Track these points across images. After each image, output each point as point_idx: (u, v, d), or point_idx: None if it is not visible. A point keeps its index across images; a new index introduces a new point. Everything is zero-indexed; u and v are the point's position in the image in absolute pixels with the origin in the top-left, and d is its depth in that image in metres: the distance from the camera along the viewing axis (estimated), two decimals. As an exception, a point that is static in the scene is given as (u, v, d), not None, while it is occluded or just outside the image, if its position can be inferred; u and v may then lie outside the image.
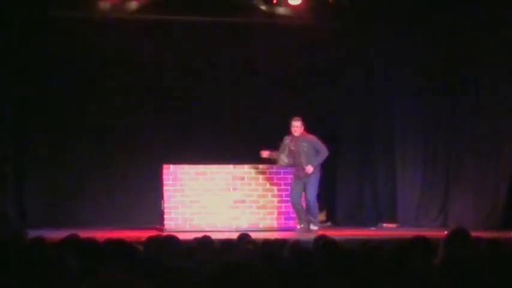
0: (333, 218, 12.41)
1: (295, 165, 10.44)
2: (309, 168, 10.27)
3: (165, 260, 4.10)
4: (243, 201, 10.96)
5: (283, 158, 10.46)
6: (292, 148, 10.39)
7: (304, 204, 10.46)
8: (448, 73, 11.72)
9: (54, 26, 11.38)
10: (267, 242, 5.66)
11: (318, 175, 10.44)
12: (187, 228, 10.62)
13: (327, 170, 12.64)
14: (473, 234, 5.10)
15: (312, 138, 10.44)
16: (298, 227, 10.46)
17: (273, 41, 11.97)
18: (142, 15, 11.67)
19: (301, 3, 11.73)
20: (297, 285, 3.83)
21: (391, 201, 12.16)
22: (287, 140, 10.45)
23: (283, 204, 10.93)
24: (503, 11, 10.96)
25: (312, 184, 10.39)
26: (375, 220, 12.06)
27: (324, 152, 10.41)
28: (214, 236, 6.34)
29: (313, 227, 10.40)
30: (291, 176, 10.79)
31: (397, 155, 12.12)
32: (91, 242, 4.40)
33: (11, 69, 11.37)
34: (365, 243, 5.62)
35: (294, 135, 10.38)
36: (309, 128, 12.24)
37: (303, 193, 10.45)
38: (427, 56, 11.78)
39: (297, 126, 10.35)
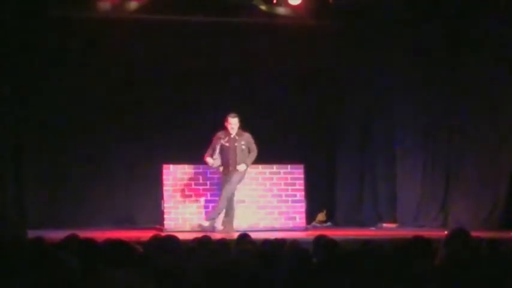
0: (333, 218, 12.41)
1: (225, 163, 10.07)
2: (242, 167, 10.01)
3: (165, 260, 4.10)
4: (243, 201, 10.95)
5: (214, 159, 10.04)
6: (226, 145, 10.01)
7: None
8: (448, 73, 11.71)
9: (54, 26, 11.39)
10: (266, 242, 5.65)
11: (243, 175, 10.16)
12: (187, 228, 10.62)
13: (327, 170, 12.68)
14: (473, 234, 5.09)
15: (249, 136, 10.15)
16: (221, 227, 10.22)
17: (273, 41, 11.98)
18: (142, 15, 11.67)
19: (301, 3, 11.73)
20: (296, 285, 3.83)
21: (391, 201, 12.16)
22: (220, 136, 10.04)
23: (283, 204, 10.92)
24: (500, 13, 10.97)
25: (233, 182, 10.07)
26: (375, 220, 12.06)
27: (255, 152, 10.12)
28: (215, 236, 6.34)
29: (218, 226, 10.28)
30: (290, 175, 10.81)
31: (397, 155, 12.11)
32: (91, 242, 4.40)
33: (11, 69, 11.36)
34: (365, 243, 5.61)
35: (230, 133, 10.04)
36: (308, 128, 12.27)
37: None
38: (427, 55, 11.78)
39: (235, 123, 10.01)
